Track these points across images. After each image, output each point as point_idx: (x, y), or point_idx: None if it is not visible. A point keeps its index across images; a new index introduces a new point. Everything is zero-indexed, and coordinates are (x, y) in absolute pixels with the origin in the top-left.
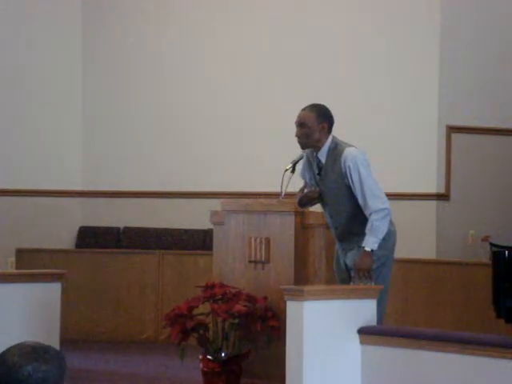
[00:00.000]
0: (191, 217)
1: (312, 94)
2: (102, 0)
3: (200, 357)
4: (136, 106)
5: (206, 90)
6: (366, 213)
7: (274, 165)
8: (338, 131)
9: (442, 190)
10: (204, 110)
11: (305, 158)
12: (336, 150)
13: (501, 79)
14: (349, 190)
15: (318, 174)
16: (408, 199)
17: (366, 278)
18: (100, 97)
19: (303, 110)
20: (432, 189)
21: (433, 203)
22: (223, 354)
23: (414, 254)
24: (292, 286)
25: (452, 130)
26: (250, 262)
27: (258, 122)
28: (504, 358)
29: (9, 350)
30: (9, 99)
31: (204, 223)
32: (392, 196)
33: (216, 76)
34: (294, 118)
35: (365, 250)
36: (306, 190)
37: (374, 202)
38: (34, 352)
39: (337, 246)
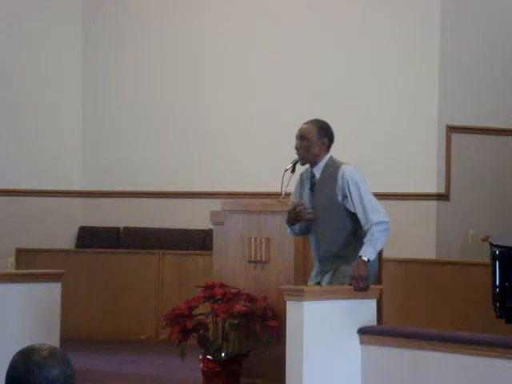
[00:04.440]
0: (191, 217)
1: (312, 94)
2: (102, 0)
3: (200, 357)
4: (136, 106)
5: (206, 91)
6: (366, 227)
7: (273, 165)
8: (339, 130)
9: (442, 190)
10: (204, 110)
11: (297, 182)
12: (332, 166)
13: (501, 79)
14: (341, 207)
15: (311, 188)
16: (408, 199)
17: (364, 286)
18: (100, 97)
19: (305, 123)
20: (432, 189)
21: (433, 203)
22: (223, 354)
23: (414, 254)
24: (292, 286)
25: (452, 130)
26: (250, 262)
27: (258, 122)
28: (504, 358)
29: (34, 349)
30: (8, 99)
31: (204, 223)
32: (392, 196)
33: (215, 76)
34: (295, 119)
35: (362, 259)
36: (298, 208)
37: (375, 215)
38: (62, 355)
39: (315, 267)
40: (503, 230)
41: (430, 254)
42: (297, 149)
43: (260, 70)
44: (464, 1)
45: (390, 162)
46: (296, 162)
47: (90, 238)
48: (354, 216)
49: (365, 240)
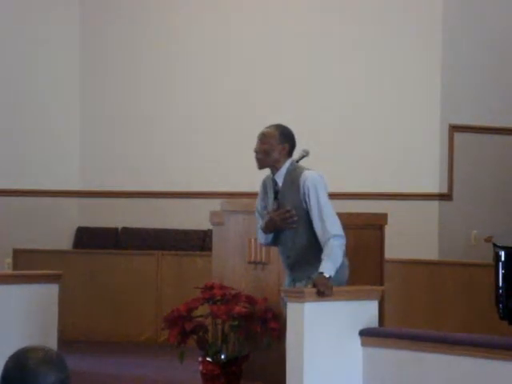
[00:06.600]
0: (191, 217)
1: (313, 93)
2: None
3: (199, 359)
4: (135, 106)
5: (205, 91)
6: (323, 238)
7: None
8: (340, 130)
9: (445, 190)
10: (204, 110)
11: (261, 188)
12: (294, 172)
13: (503, 78)
14: (307, 214)
15: (275, 197)
16: (410, 199)
17: (329, 293)
18: (99, 96)
19: (268, 127)
20: (434, 189)
21: (435, 203)
22: (223, 356)
23: (416, 255)
24: (292, 287)
25: (454, 129)
26: (250, 262)
27: (258, 121)
28: (507, 360)
29: (28, 354)
30: (8, 99)
31: (204, 223)
32: (394, 196)
33: (216, 77)
34: (296, 119)
35: (323, 276)
36: (285, 215)
37: (333, 227)
38: (56, 360)
39: (287, 276)
40: (506, 231)
41: (432, 254)
42: (256, 152)
43: (261, 71)
44: (466, 0)
45: (392, 161)
46: (297, 162)
47: (88, 238)
48: None
49: (323, 256)
